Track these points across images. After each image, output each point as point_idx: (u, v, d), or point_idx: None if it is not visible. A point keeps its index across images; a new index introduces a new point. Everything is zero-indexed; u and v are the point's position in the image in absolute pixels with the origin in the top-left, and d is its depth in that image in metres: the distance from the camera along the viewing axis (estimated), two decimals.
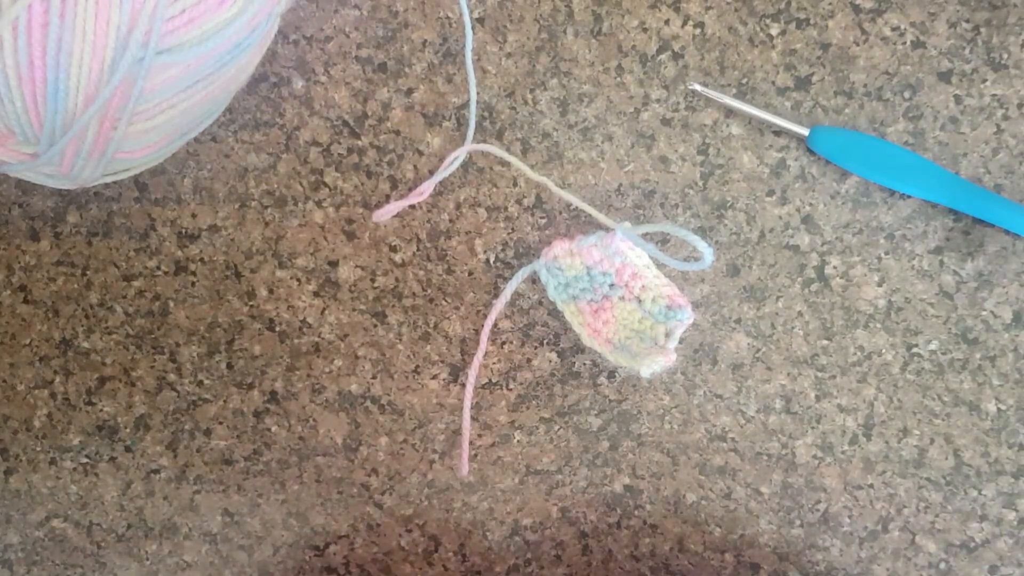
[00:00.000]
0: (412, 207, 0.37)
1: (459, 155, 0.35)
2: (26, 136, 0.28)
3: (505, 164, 0.36)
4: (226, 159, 0.37)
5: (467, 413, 0.36)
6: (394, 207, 0.34)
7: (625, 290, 0.34)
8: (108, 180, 0.33)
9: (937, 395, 0.34)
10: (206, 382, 0.38)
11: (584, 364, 0.36)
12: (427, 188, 0.35)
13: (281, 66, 0.36)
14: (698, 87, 0.34)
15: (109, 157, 0.30)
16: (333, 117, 0.36)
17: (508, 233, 0.36)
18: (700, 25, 0.34)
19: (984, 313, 0.34)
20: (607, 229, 0.34)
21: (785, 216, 0.35)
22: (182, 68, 0.29)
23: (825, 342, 0.35)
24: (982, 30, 0.33)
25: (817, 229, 0.34)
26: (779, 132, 0.34)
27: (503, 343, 0.36)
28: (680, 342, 0.35)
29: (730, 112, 0.34)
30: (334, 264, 0.37)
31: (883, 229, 0.34)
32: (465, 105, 0.36)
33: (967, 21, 0.33)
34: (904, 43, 0.33)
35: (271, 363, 0.38)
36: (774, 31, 0.34)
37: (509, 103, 0.36)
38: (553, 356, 0.36)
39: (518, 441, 0.37)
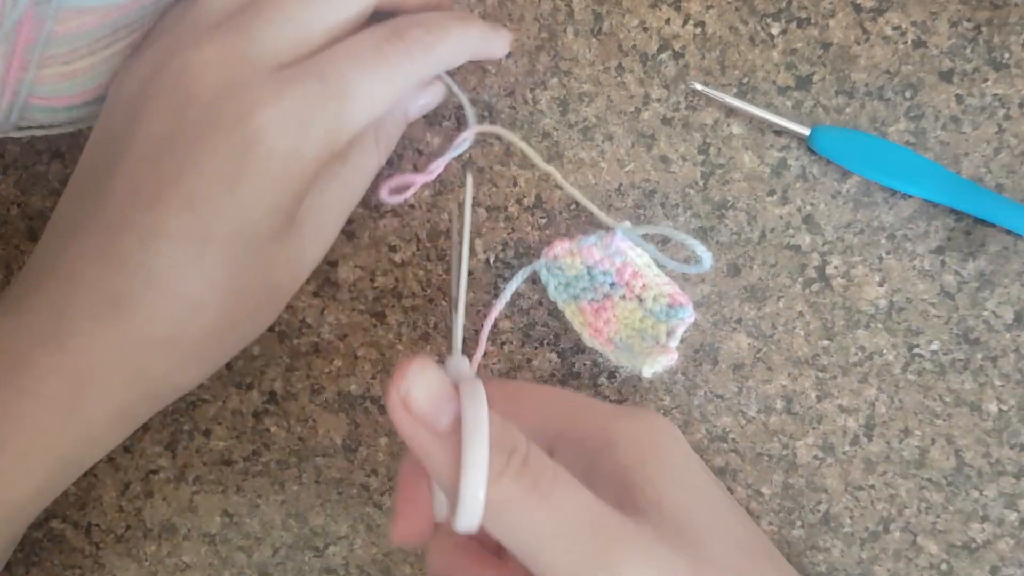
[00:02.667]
0: (412, 207, 0.36)
1: (468, 136, 0.34)
2: None
3: (505, 164, 0.36)
4: None
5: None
6: (399, 180, 0.34)
7: (626, 289, 0.34)
8: (40, 133, 0.32)
9: (938, 395, 0.34)
10: (205, 382, 0.38)
11: (584, 364, 0.36)
12: (439, 167, 0.35)
13: None
14: (699, 86, 0.34)
15: (23, 101, 0.29)
16: None
17: (508, 233, 0.36)
18: (701, 24, 0.34)
19: (986, 313, 0.34)
20: (607, 229, 0.34)
21: (786, 216, 0.34)
22: (99, 15, 0.28)
23: (826, 342, 0.35)
24: (983, 29, 0.33)
25: (818, 229, 0.34)
26: (780, 132, 0.34)
27: (503, 343, 0.36)
28: (681, 342, 0.35)
29: (731, 112, 0.34)
30: (333, 264, 0.37)
31: (884, 229, 0.34)
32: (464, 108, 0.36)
33: (968, 20, 0.33)
34: (905, 42, 0.33)
35: (270, 363, 0.38)
36: (775, 30, 0.34)
37: (509, 103, 0.36)
38: (553, 356, 0.36)
39: None
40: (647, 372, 0.32)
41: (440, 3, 0.32)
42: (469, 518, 0.21)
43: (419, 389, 0.22)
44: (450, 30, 0.30)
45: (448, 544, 0.28)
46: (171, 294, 0.27)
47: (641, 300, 0.34)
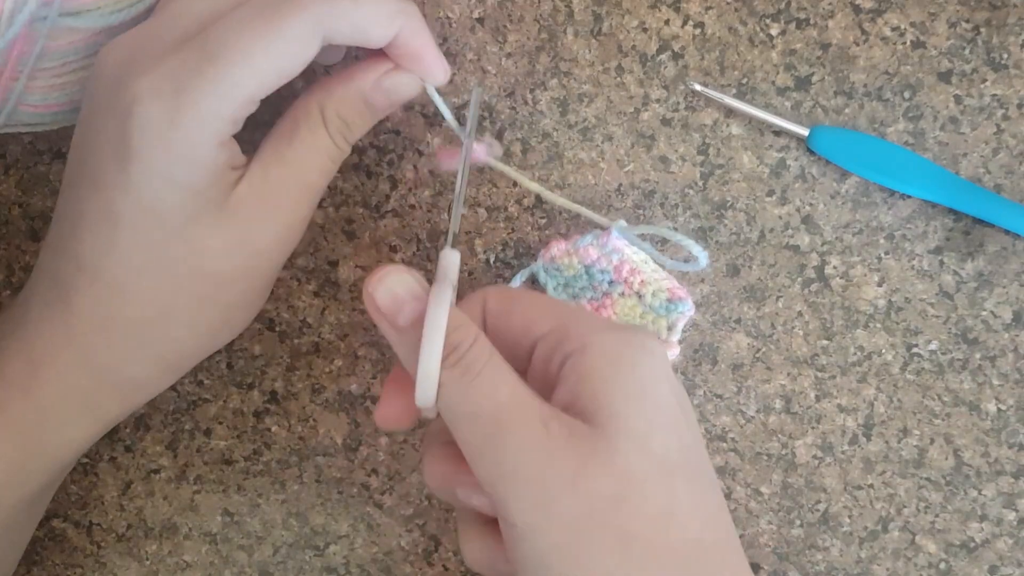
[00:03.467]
0: (412, 207, 0.37)
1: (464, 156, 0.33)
2: None
3: (504, 164, 0.36)
4: None
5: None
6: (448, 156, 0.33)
7: (624, 286, 0.34)
8: (24, 131, 0.33)
9: (937, 395, 0.34)
10: (206, 382, 0.38)
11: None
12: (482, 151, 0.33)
13: None
14: (698, 87, 0.34)
15: (12, 107, 0.30)
16: None
17: (508, 233, 0.36)
18: (700, 25, 0.34)
19: (984, 313, 0.34)
20: (603, 228, 0.34)
21: (785, 216, 0.35)
22: (90, 34, 0.30)
23: (825, 342, 0.35)
24: (982, 30, 0.33)
25: (817, 229, 0.34)
26: (779, 132, 0.34)
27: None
28: (681, 341, 0.35)
29: (730, 112, 0.34)
30: (334, 264, 0.37)
31: (883, 229, 0.34)
32: (465, 105, 0.36)
33: (967, 21, 0.33)
34: (904, 43, 0.33)
35: (271, 363, 0.38)
36: (774, 31, 0.34)
37: (509, 103, 0.36)
38: None
39: None
40: None
41: None
42: (423, 395, 0.26)
43: (383, 290, 0.27)
44: None
45: (439, 451, 0.29)
46: (96, 278, 0.28)
47: (640, 296, 0.34)
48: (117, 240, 0.27)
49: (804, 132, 0.33)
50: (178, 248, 0.28)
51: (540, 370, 0.28)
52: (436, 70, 0.30)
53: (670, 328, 0.34)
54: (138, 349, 0.30)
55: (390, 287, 0.27)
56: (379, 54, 0.30)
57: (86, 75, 0.30)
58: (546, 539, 0.24)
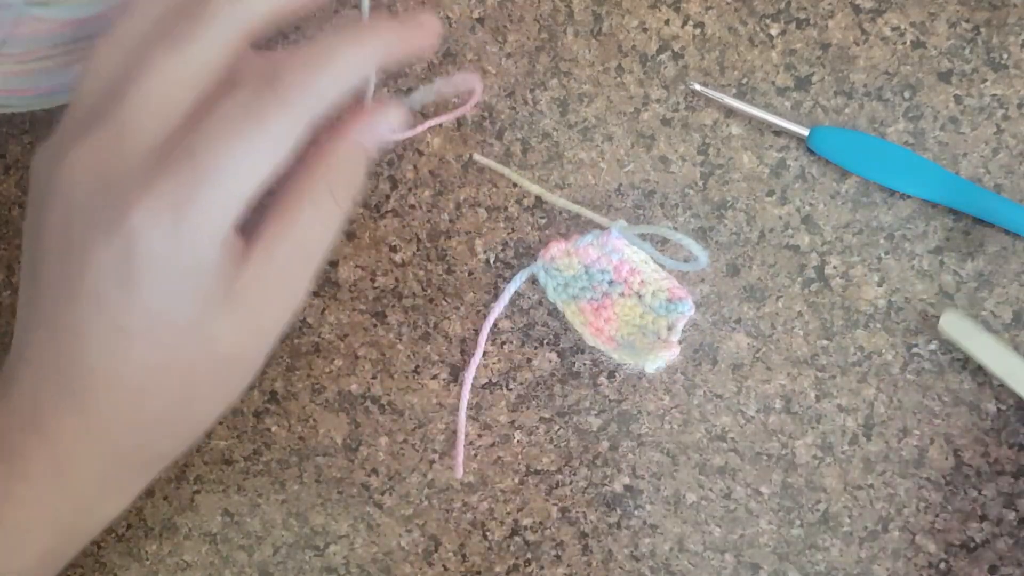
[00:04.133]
0: (412, 206, 0.37)
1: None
2: None
3: (504, 164, 0.36)
4: None
5: (463, 414, 0.36)
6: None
7: (624, 286, 0.34)
8: None
9: (937, 395, 0.34)
10: None
11: (584, 364, 0.36)
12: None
13: None
14: (698, 87, 0.34)
15: None
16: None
17: (508, 233, 0.36)
18: (700, 25, 0.34)
19: (984, 313, 0.34)
20: (603, 228, 0.34)
21: (785, 216, 0.35)
22: (58, 25, 0.29)
23: (825, 342, 0.35)
24: (982, 30, 0.33)
25: (817, 229, 0.34)
26: (779, 132, 0.34)
27: (503, 343, 0.36)
28: (681, 341, 0.35)
29: (730, 112, 0.34)
30: (334, 264, 0.37)
31: (883, 229, 0.34)
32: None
33: (967, 21, 0.33)
34: (904, 43, 0.33)
35: (271, 363, 0.38)
36: (774, 31, 0.34)
37: (509, 103, 0.36)
38: (553, 356, 0.36)
39: (518, 441, 0.37)
40: (650, 368, 0.32)
41: (316, 3, 0.29)
42: None
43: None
44: (335, 53, 0.27)
45: None
46: (113, 383, 0.28)
47: (640, 296, 0.34)
48: (129, 350, 0.27)
49: (804, 132, 0.33)
50: (191, 341, 0.28)
51: None
52: (425, 40, 0.29)
53: (670, 328, 0.34)
54: (161, 434, 0.30)
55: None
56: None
57: (51, 64, 0.30)
58: None
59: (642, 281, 0.34)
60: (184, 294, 0.27)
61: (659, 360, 0.32)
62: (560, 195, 0.35)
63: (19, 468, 0.28)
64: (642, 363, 0.33)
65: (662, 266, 0.34)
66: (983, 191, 0.33)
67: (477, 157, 0.32)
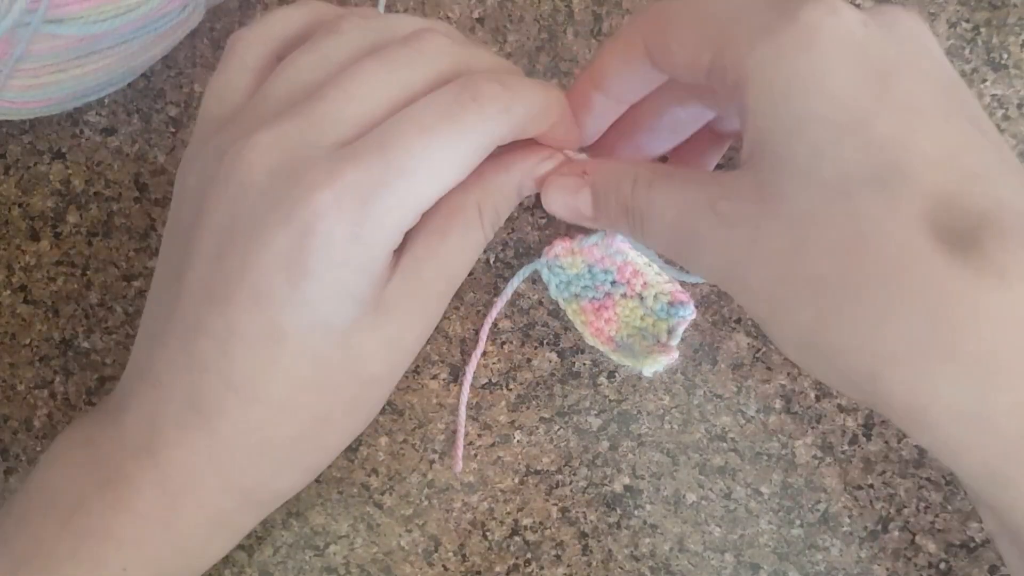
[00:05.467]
0: None
1: None
2: None
3: None
4: None
5: (463, 410, 0.36)
6: None
7: (627, 287, 0.34)
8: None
9: None
10: None
11: (584, 364, 0.36)
12: None
13: None
14: None
15: None
16: None
17: (508, 233, 0.36)
18: None
19: None
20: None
21: None
22: (73, 40, 0.29)
23: None
24: (982, 30, 0.33)
25: None
26: None
27: (503, 343, 0.36)
28: (681, 340, 0.35)
29: None
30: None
31: None
32: None
33: (967, 21, 0.33)
34: None
35: None
36: None
37: None
38: (553, 356, 0.36)
39: (518, 441, 0.37)
40: (647, 371, 0.32)
41: (511, 70, 0.29)
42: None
43: (556, 207, 0.29)
44: (529, 88, 0.27)
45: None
46: (253, 398, 0.26)
47: (642, 298, 0.34)
48: (280, 357, 0.26)
49: None
50: (337, 356, 0.26)
51: (725, 106, 0.27)
52: (573, 141, 0.30)
53: (670, 332, 0.34)
54: (288, 465, 0.28)
55: (557, 198, 0.28)
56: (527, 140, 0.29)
57: (64, 77, 0.31)
58: (763, 310, 0.24)
59: (644, 283, 0.34)
60: (346, 297, 0.26)
61: (657, 364, 0.32)
62: None
63: (125, 500, 0.26)
64: (640, 366, 0.33)
65: (665, 271, 0.34)
66: None
67: None
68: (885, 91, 0.22)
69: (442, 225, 0.28)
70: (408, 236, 0.27)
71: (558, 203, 0.28)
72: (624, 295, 0.34)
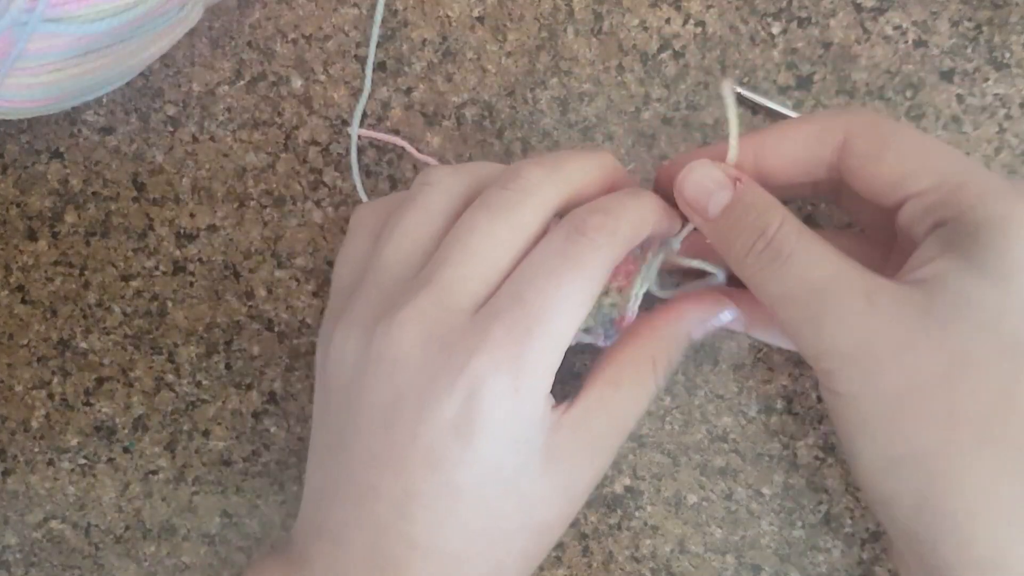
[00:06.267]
0: None
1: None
2: None
3: (505, 164, 0.36)
4: (224, 159, 0.37)
5: None
6: None
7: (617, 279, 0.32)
8: None
9: None
10: (204, 383, 0.38)
11: (585, 365, 0.36)
12: None
13: (280, 65, 0.36)
14: (739, 88, 0.34)
15: None
16: (332, 116, 0.36)
17: None
18: (701, 24, 0.34)
19: None
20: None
21: None
22: (71, 39, 0.29)
23: None
24: (984, 29, 0.33)
25: (817, 228, 0.34)
26: None
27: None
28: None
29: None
30: (333, 264, 0.37)
31: None
32: (465, 104, 0.36)
33: (969, 20, 0.33)
34: (906, 42, 0.33)
35: (270, 363, 0.38)
36: (775, 30, 0.34)
37: (509, 102, 0.35)
38: None
39: None
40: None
41: (615, 183, 0.30)
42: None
43: (691, 183, 0.28)
44: (626, 204, 0.28)
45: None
46: (433, 554, 0.27)
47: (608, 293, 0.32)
48: (458, 511, 0.27)
49: None
50: (510, 503, 0.27)
51: (904, 228, 0.27)
52: (670, 228, 0.30)
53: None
54: None
55: (697, 180, 0.28)
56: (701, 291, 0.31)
57: (62, 76, 0.30)
58: (870, 407, 0.25)
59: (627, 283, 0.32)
60: (516, 448, 0.27)
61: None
62: None
63: None
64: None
65: (676, 288, 0.32)
66: None
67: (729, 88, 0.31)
68: None
69: (615, 376, 0.29)
70: (584, 383, 0.29)
71: (693, 185, 0.28)
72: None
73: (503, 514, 0.27)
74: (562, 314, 0.26)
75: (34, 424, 0.39)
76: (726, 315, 0.31)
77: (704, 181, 0.28)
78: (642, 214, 0.28)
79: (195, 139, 0.37)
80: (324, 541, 0.28)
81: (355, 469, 0.28)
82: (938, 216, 0.25)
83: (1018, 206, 0.24)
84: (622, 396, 0.29)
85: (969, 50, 0.33)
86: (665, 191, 0.30)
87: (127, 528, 0.40)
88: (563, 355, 0.27)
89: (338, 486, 0.28)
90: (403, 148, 0.36)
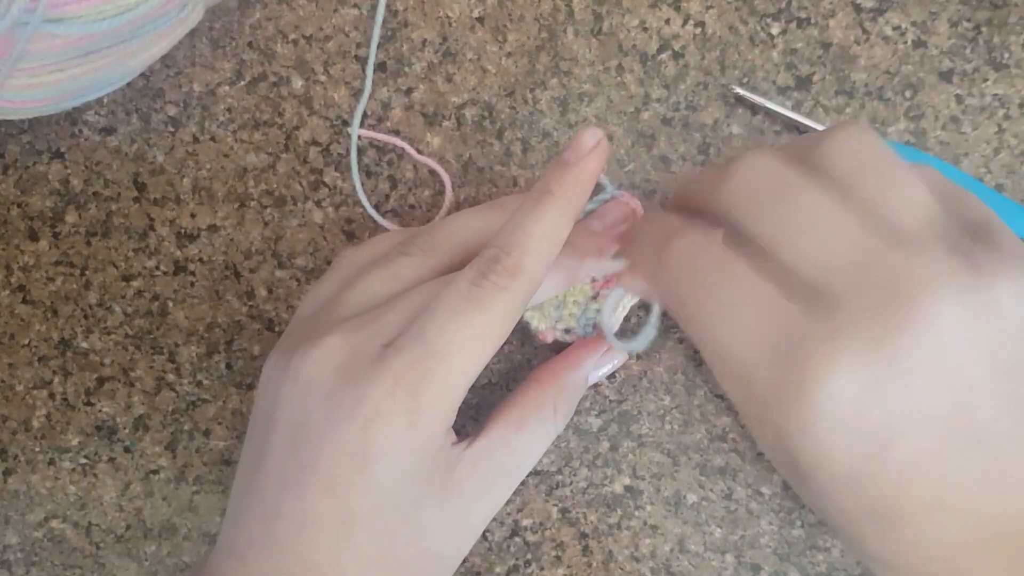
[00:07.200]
0: (412, 206, 0.36)
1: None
2: None
3: (505, 164, 0.36)
4: (225, 159, 0.37)
5: None
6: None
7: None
8: None
9: None
10: (205, 382, 0.38)
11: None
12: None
13: (280, 65, 0.36)
14: (740, 90, 0.34)
15: None
16: (332, 116, 0.36)
17: None
18: (701, 24, 0.34)
19: None
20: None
21: None
22: (72, 40, 0.30)
23: None
24: (983, 29, 0.33)
25: None
26: (780, 132, 0.34)
27: (503, 343, 0.36)
28: (681, 342, 0.35)
29: (730, 112, 0.34)
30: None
31: None
32: (465, 105, 0.36)
33: (968, 20, 0.33)
34: (905, 42, 0.33)
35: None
36: (775, 30, 0.34)
37: (509, 103, 0.36)
38: (553, 356, 0.36)
39: None
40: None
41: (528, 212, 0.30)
42: None
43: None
44: (530, 234, 0.28)
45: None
46: None
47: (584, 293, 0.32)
48: (353, 538, 0.28)
49: None
50: (406, 533, 0.28)
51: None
52: (632, 281, 0.31)
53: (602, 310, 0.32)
54: None
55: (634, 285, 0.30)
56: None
57: (63, 77, 0.31)
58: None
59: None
60: (411, 478, 0.28)
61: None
62: None
63: None
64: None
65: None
66: (985, 190, 0.33)
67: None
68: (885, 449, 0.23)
69: (518, 417, 0.31)
70: (486, 423, 0.30)
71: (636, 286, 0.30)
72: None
73: (399, 544, 0.28)
74: (464, 353, 0.27)
75: (35, 424, 0.39)
76: (620, 360, 0.34)
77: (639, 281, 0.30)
78: (549, 254, 0.28)
79: (196, 139, 0.37)
80: (232, 559, 0.29)
81: (264, 488, 0.29)
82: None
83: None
84: (524, 438, 0.31)
85: (968, 50, 0.33)
86: (683, 208, 0.30)
87: (128, 528, 0.40)
88: (466, 390, 0.28)
89: (250, 504, 0.29)
90: (403, 150, 0.36)
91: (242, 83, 0.37)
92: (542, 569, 0.37)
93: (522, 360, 0.36)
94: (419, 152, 0.36)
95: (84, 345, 0.38)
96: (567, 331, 0.32)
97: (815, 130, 0.33)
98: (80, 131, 0.38)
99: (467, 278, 0.28)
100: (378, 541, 0.28)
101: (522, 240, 0.28)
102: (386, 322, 0.28)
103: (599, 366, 0.34)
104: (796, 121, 0.33)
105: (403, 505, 0.28)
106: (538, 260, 0.28)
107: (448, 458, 0.28)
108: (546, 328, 0.32)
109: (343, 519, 0.27)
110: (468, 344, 0.27)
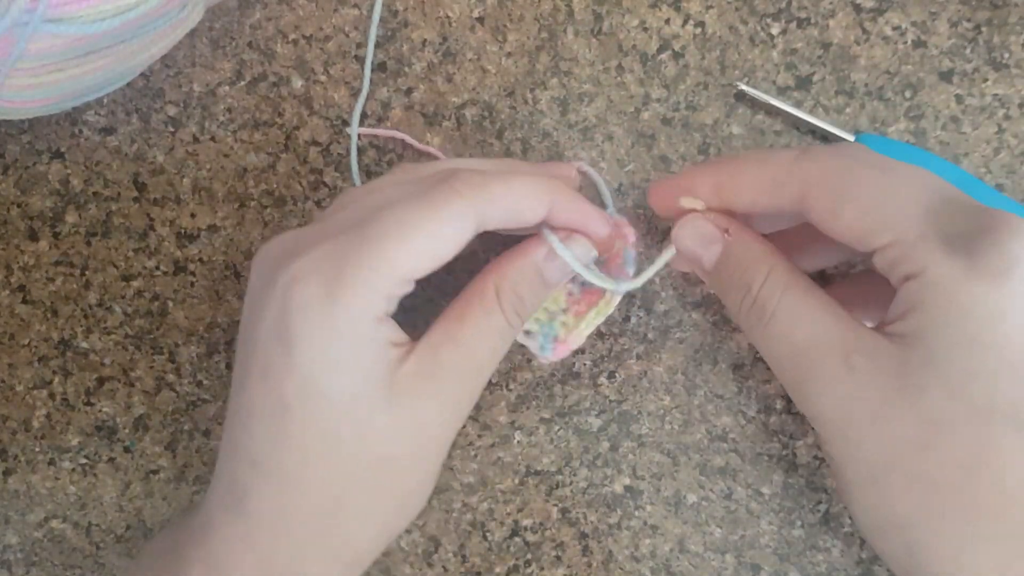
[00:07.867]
0: None
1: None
2: None
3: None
4: (225, 159, 0.37)
5: None
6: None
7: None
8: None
9: None
10: (205, 382, 0.38)
11: (584, 364, 0.36)
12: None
13: (280, 65, 0.36)
14: (745, 88, 0.34)
15: None
16: (332, 116, 0.36)
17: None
18: (701, 24, 0.34)
19: None
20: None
21: None
22: (72, 40, 0.30)
23: None
24: (983, 29, 0.33)
25: None
26: (780, 132, 0.34)
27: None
28: (681, 342, 0.35)
29: (731, 112, 0.34)
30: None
31: None
32: (465, 105, 0.36)
33: (968, 20, 0.33)
34: (905, 42, 0.33)
35: None
36: (775, 30, 0.34)
37: (509, 103, 0.36)
38: None
39: (518, 441, 0.37)
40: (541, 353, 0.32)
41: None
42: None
43: (683, 239, 0.30)
44: (510, 176, 0.28)
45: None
46: (272, 475, 0.27)
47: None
48: (288, 429, 0.27)
49: (850, 138, 0.33)
50: (346, 431, 0.27)
51: (882, 272, 0.27)
52: (596, 230, 0.30)
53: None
54: (314, 546, 0.28)
55: (688, 235, 0.30)
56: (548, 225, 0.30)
57: (63, 76, 0.31)
58: (853, 475, 0.26)
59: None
60: (341, 368, 0.26)
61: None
62: None
63: None
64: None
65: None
66: (985, 189, 0.33)
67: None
68: None
69: (460, 310, 0.29)
70: (431, 323, 0.29)
71: (687, 241, 0.30)
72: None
73: (339, 442, 0.27)
74: (399, 240, 0.26)
75: (35, 424, 0.39)
76: (581, 249, 0.30)
77: (694, 239, 0.30)
78: (529, 191, 0.28)
79: (196, 139, 0.37)
80: (213, 474, 0.30)
81: (232, 387, 0.29)
82: (904, 271, 0.25)
83: (956, 266, 0.24)
84: (468, 330, 0.28)
85: (968, 50, 0.33)
86: (659, 210, 0.31)
87: (128, 527, 0.40)
88: (401, 289, 0.27)
89: (229, 410, 0.29)
90: (403, 148, 0.36)
91: (242, 83, 0.37)
92: (542, 569, 0.37)
93: (522, 360, 0.36)
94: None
95: (84, 345, 0.38)
96: (527, 333, 0.32)
97: (819, 128, 0.33)
98: (80, 131, 0.38)
99: (433, 179, 0.27)
100: (316, 435, 0.27)
101: (502, 174, 0.28)
102: (333, 217, 0.28)
103: (549, 254, 0.30)
104: (800, 118, 0.33)
105: (339, 400, 0.26)
106: (505, 190, 0.27)
107: (388, 357, 0.27)
108: None
109: (276, 407, 0.27)
110: (407, 232, 0.26)
